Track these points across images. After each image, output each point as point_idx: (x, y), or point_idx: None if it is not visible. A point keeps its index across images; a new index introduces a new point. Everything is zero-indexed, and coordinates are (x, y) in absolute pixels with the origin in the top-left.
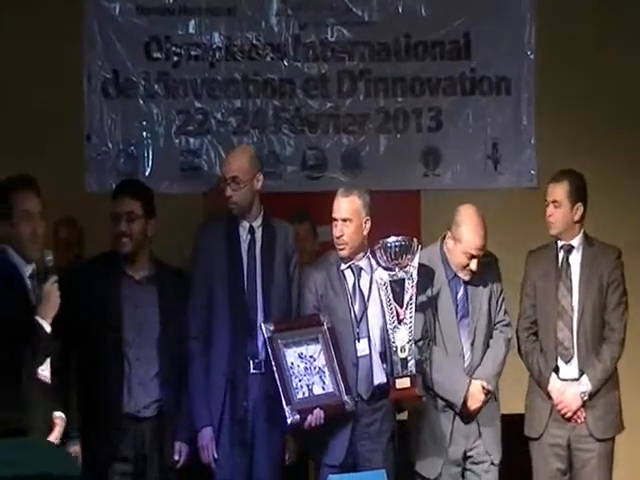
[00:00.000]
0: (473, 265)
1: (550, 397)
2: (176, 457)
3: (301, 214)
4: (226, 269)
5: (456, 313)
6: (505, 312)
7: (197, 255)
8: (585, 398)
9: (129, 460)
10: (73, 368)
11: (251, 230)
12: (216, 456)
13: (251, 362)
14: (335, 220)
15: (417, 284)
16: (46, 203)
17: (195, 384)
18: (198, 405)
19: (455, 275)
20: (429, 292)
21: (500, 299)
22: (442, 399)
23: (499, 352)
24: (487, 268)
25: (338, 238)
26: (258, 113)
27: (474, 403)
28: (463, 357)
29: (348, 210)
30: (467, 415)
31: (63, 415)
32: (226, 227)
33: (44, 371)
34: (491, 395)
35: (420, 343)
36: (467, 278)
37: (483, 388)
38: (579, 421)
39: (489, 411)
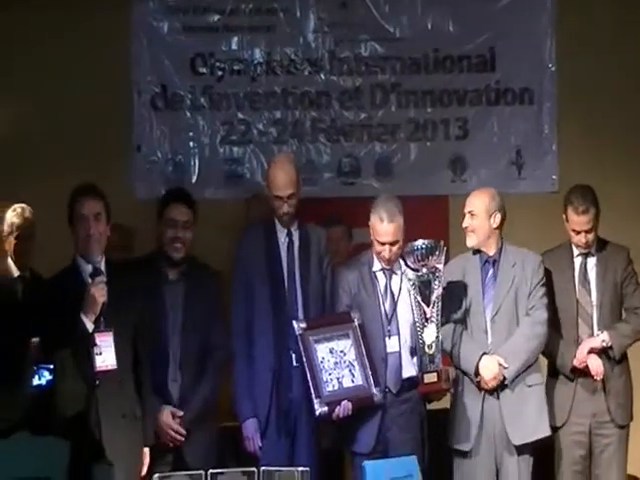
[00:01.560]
0: (465, 221)
1: (574, 375)
2: None
3: (333, 218)
4: (266, 269)
5: (483, 293)
6: (540, 299)
7: (239, 258)
8: (604, 345)
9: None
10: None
11: (289, 233)
12: (260, 444)
13: (293, 355)
14: (382, 244)
15: (444, 288)
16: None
17: (239, 379)
18: (242, 398)
19: (487, 261)
20: (464, 306)
21: (535, 290)
22: (465, 374)
23: (523, 331)
24: (527, 262)
25: (389, 259)
26: (297, 124)
27: (486, 374)
28: (487, 334)
29: (397, 234)
30: (485, 389)
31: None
32: (265, 230)
33: (105, 362)
34: (511, 373)
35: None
36: (469, 243)
37: (500, 365)
38: (598, 378)
39: (522, 395)
